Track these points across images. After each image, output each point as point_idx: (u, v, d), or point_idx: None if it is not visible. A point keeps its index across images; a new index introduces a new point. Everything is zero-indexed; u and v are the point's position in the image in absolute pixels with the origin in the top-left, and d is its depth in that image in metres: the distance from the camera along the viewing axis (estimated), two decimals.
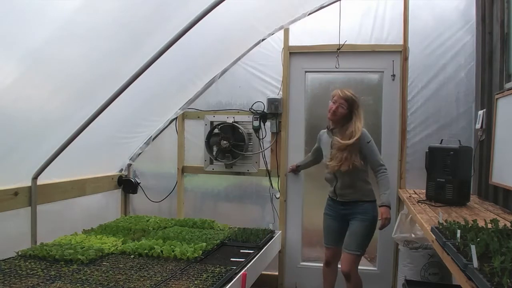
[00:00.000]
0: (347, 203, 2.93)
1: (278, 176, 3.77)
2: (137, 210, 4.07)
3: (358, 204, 2.88)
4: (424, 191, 3.00)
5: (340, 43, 3.56)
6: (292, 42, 3.73)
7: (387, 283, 3.61)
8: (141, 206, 4.06)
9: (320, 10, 3.64)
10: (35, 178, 2.86)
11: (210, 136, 3.83)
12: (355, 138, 2.78)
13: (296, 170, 3.64)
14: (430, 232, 1.95)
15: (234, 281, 2.25)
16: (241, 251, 2.81)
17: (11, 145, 2.46)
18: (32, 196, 2.85)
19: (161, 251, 2.56)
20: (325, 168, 3.01)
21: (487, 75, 3.09)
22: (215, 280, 2.14)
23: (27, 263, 2.37)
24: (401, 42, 3.53)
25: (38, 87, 2.29)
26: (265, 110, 3.76)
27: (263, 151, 3.79)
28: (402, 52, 3.53)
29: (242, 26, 3.36)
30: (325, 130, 3.06)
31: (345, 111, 2.85)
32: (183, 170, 4.01)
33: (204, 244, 2.71)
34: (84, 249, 2.54)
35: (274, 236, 3.37)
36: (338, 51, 3.56)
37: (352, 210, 2.90)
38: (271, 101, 3.71)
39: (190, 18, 2.40)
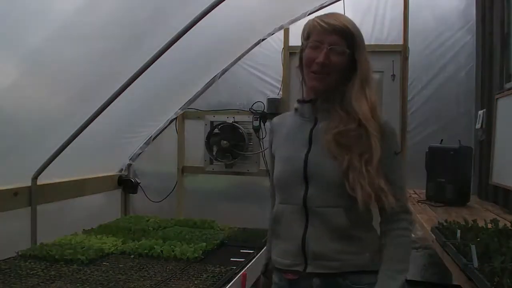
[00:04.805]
0: (330, 278, 1.25)
1: None
2: (137, 210, 4.06)
3: (356, 280, 1.24)
4: (424, 191, 3.00)
5: None
6: (292, 42, 3.73)
7: None
8: (141, 206, 4.05)
9: (320, 10, 3.64)
10: (35, 178, 2.86)
11: (210, 136, 3.83)
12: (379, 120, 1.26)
13: (268, 274, 1.57)
14: (430, 232, 1.95)
15: (234, 281, 2.24)
16: (241, 251, 2.80)
17: (11, 145, 2.46)
18: (32, 196, 2.85)
19: (161, 251, 2.55)
20: (274, 197, 1.52)
21: (487, 75, 3.09)
22: (215, 280, 2.14)
23: (27, 263, 2.36)
24: (401, 42, 3.53)
25: (38, 87, 2.29)
26: (265, 110, 3.75)
27: (263, 151, 3.79)
28: (402, 52, 3.53)
29: (242, 26, 3.35)
30: (288, 113, 1.56)
31: (345, 59, 1.29)
32: (183, 170, 4.01)
33: (204, 244, 2.70)
34: (84, 249, 2.53)
35: None
36: None
37: None
38: (271, 101, 3.71)
39: (190, 18, 2.40)
